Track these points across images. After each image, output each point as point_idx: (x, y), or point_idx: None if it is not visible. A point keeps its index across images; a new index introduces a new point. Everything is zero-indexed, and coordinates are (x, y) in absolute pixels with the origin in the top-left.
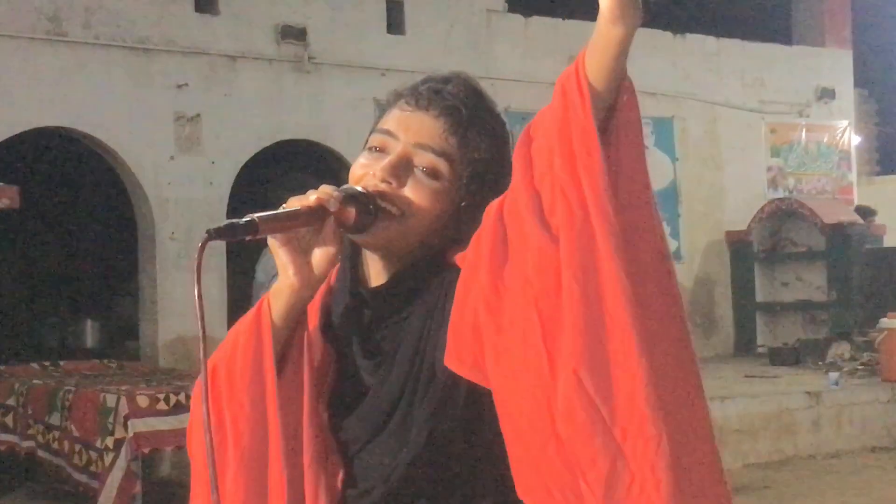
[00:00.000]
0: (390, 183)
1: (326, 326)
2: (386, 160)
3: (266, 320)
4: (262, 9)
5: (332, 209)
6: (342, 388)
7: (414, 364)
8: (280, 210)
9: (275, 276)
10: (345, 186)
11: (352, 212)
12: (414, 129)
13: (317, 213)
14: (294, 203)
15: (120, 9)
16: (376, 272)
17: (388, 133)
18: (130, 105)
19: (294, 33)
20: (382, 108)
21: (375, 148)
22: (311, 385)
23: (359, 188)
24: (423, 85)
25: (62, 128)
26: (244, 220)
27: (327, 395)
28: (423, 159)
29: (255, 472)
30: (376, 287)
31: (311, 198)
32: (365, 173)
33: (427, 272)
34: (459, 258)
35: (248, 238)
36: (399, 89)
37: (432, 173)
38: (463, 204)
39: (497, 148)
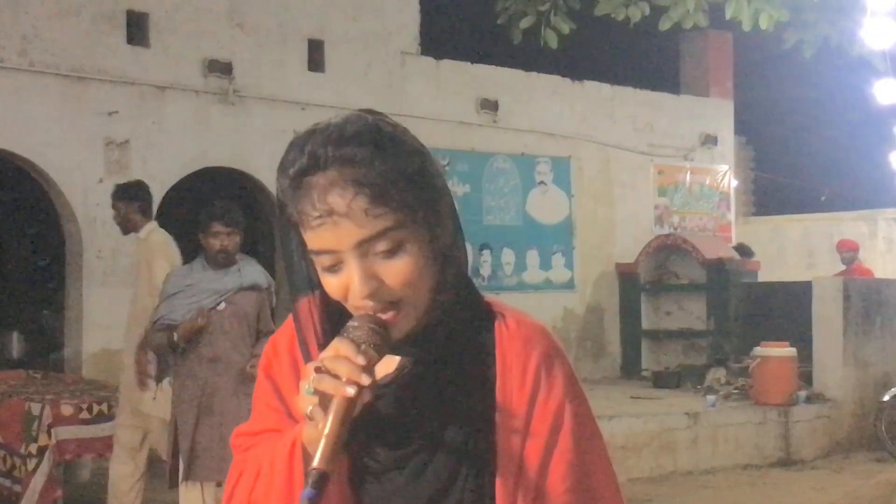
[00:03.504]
0: (374, 293)
1: None
2: (353, 277)
3: (299, 466)
4: (191, 43)
5: (367, 383)
6: (361, 471)
7: (463, 459)
8: (326, 434)
9: (181, 291)
10: (350, 335)
11: (376, 358)
12: (343, 236)
13: (356, 399)
14: (327, 388)
15: (55, 38)
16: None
17: (327, 252)
18: (63, 129)
19: (220, 67)
20: (286, 209)
21: (328, 265)
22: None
23: (364, 331)
24: (302, 185)
25: None
26: (314, 480)
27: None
28: (375, 250)
29: None
30: (403, 368)
31: (349, 391)
32: (345, 291)
33: (462, 321)
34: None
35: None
36: (284, 192)
37: (392, 251)
38: (430, 226)
39: (401, 158)
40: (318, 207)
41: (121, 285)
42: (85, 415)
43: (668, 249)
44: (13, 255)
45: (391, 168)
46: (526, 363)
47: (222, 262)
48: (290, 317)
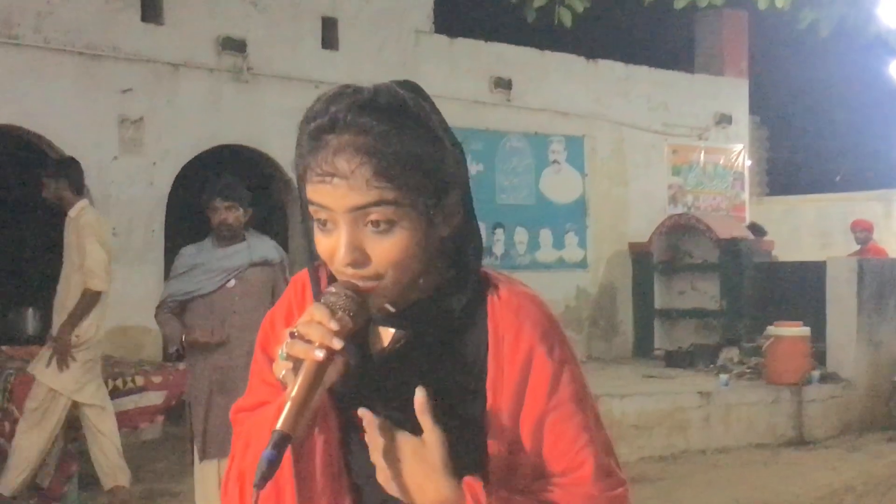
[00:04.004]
0: (358, 262)
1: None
2: (340, 242)
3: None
4: (205, 21)
5: (338, 346)
6: (354, 444)
7: (453, 431)
8: (290, 397)
9: (190, 269)
10: (326, 301)
11: (349, 324)
12: (339, 197)
13: (327, 360)
14: (298, 353)
15: (70, 16)
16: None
17: (322, 207)
18: (77, 107)
19: (234, 45)
20: (297, 160)
21: (321, 221)
22: (327, 453)
23: (340, 297)
24: (316, 141)
25: (11, 126)
26: (274, 441)
27: (336, 447)
28: (368, 217)
29: None
30: (397, 342)
31: (318, 354)
32: (330, 254)
33: (454, 297)
34: (507, 288)
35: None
36: (300, 143)
37: (384, 225)
38: (431, 213)
39: (420, 139)
40: (323, 166)
41: (135, 262)
42: None
43: (681, 229)
44: (28, 232)
45: (404, 147)
46: (518, 332)
47: (226, 235)
48: (287, 290)
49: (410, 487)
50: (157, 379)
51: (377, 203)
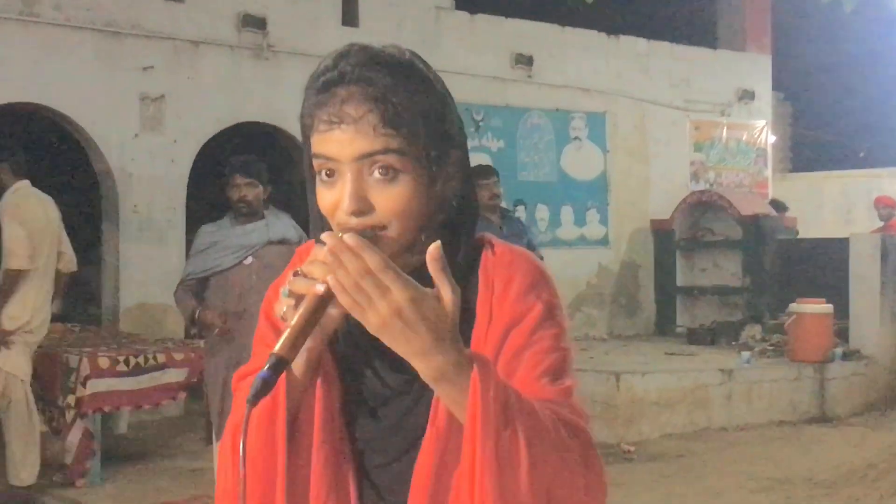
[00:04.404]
0: (362, 211)
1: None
2: (344, 191)
3: (282, 383)
4: None
5: None
6: (358, 400)
7: None
8: (291, 325)
9: (209, 247)
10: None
11: None
12: (346, 145)
13: (328, 296)
14: (300, 288)
15: None
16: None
17: (326, 158)
18: (98, 85)
19: (254, 22)
20: (303, 119)
21: (325, 174)
22: (324, 412)
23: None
24: (324, 94)
25: (33, 104)
26: (270, 363)
27: (337, 408)
28: (374, 166)
29: None
30: None
31: (319, 288)
32: (333, 207)
33: (449, 263)
34: (501, 249)
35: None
36: (307, 100)
37: (389, 174)
38: (434, 168)
39: (425, 95)
40: (331, 114)
41: (156, 240)
42: (122, 367)
43: (703, 206)
44: None
45: (411, 99)
46: (509, 282)
47: (245, 211)
48: (292, 259)
49: (416, 351)
50: (178, 356)
51: (384, 150)
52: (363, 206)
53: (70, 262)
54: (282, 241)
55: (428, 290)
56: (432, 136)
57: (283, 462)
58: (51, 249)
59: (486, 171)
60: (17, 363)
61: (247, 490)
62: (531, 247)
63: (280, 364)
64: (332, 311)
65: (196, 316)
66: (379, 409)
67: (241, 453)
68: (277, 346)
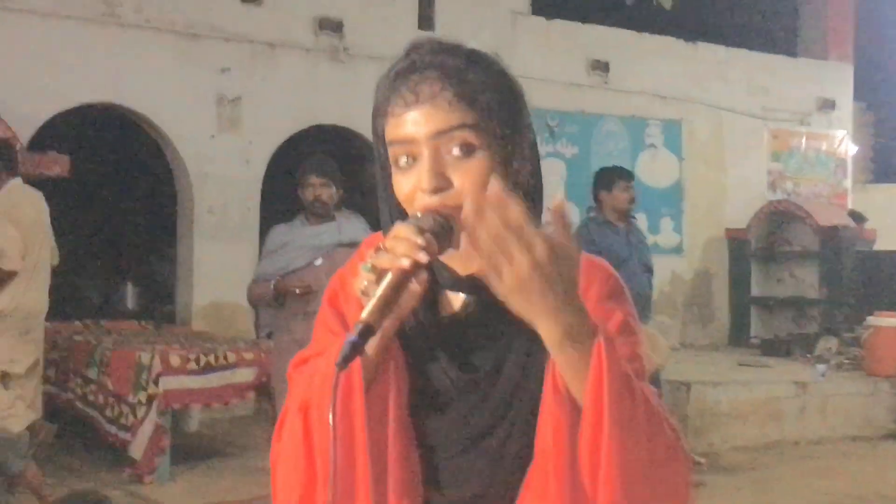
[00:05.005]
0: (441, 188)
1: (400, 332)
2: (423, 170)
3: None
4: (302, 1)
5: (424, 260)
6: (424, 394)
7: (519, 388)
8: (378, 294)
9: (280, 247)
10: (414, 222)
11: (435, 247)
12: (423, 123)
13: (411, 271)
14: (383, 263)
15: None
16: (464, 265)
17: (403, 142)
18: (176, 86)
19: (331, 25)
20: (377, 115)
21: (403, 160)
22: (396, 399)
23: (429, 218)
24: (398, 82)
25: (112, 104)
26: (357, 330)
27: (406, 400)
28: (451, 143)
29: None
30: (467, 308)
31: (403, 262)
32: (413, 191)
33: None
34: None
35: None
36: (380, 94)
37: (466, 150)
38: (509, 148)
39: (496, 78)
40: (406, 95)
41: (230, 240)
42: (192, 366)
43: (780, 215)
44: (129, 209)
45: (483, 81)
46: (586, 289)
47: (319, 212)
48: (359, 249)
49: (550, 308)
50: (248, 356)
51: (460, 126)
52: (442, 183)
53: (54, 256)
54: (352, 244)
55: (565, 245)
56: (505, 116)
57: (363, 441)
58: (42, 244)
59: (626, 174)
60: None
61: (316, 469)
62: (650, 255)
63: (367, 331)
64: (414, 287)
65: (274, 287)
66: (444, 405)
67: (330, 420)
68: (365, 313)
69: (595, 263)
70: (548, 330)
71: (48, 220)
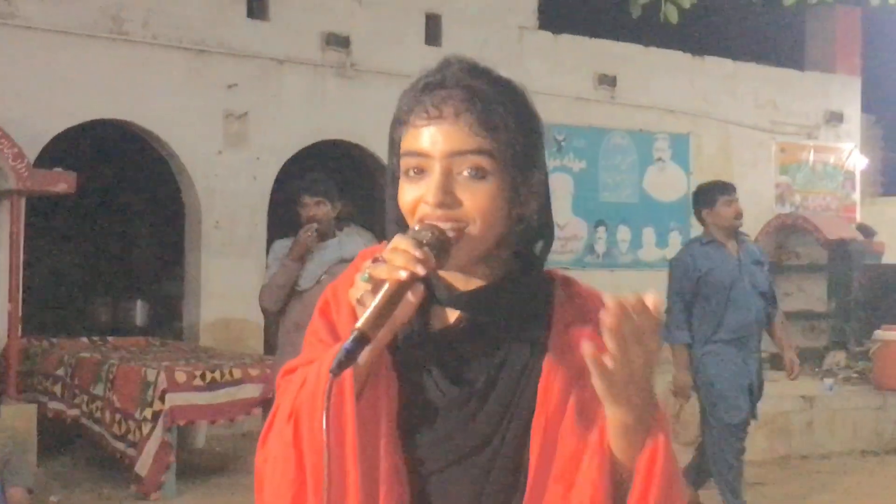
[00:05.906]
0: (447, 205)
1: (392, 345)
2: (432, 184)
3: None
4: (310, 17)
5: (422, 273)
6: (415, 407)
7: (511, 405)
8: (374, 303)
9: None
10: (413, 235)
11: (433, 261)
12: (441, 140)
13: (408, 283)
14: (381, 273)
15: (177, 12)
16: (462, 282)
17: (417, 154)
18: (184, 102)
19: (338, 41)
20: (396, 123)
21: (413, 171)
22: (387, 411)
23: (427, 232)
24: (424, 94)
25: (119, 120)
26: (352, 337)
27: (397, 413)
28: (464, 165)
29: None
30: (460, 323)
31: (401, 273)
32: (417, 202)
33: (521, 287)
34: (563, 282)
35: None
36: (404, 103)
37: (478, 174)
38: (519, 180)
39: (519, 110)
40: (429, 109)
41: (238, 255)
42: (198, 382)
43: (788, 229)
44: (137, 225)
45: (507, 110)
46: (583, 328)
47: (317, 229)
48: (353, 262)
49: (627, 397)
50: (254, 372)
51: (477, 151)
52: (449, 200)
53: None
54: None
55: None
56: (521, 149)
57: (354, 449)
58: None
59: (727, 187)
60: None
61: (315, 477)
62: (767, 277)
63: (362, 338)
64: (410, 299)
65: (289, 254)
66: (434, 418)
67: (323, 425)
68: (360, 321)
69: (592, 294)
70: (622, 416)
71: None
